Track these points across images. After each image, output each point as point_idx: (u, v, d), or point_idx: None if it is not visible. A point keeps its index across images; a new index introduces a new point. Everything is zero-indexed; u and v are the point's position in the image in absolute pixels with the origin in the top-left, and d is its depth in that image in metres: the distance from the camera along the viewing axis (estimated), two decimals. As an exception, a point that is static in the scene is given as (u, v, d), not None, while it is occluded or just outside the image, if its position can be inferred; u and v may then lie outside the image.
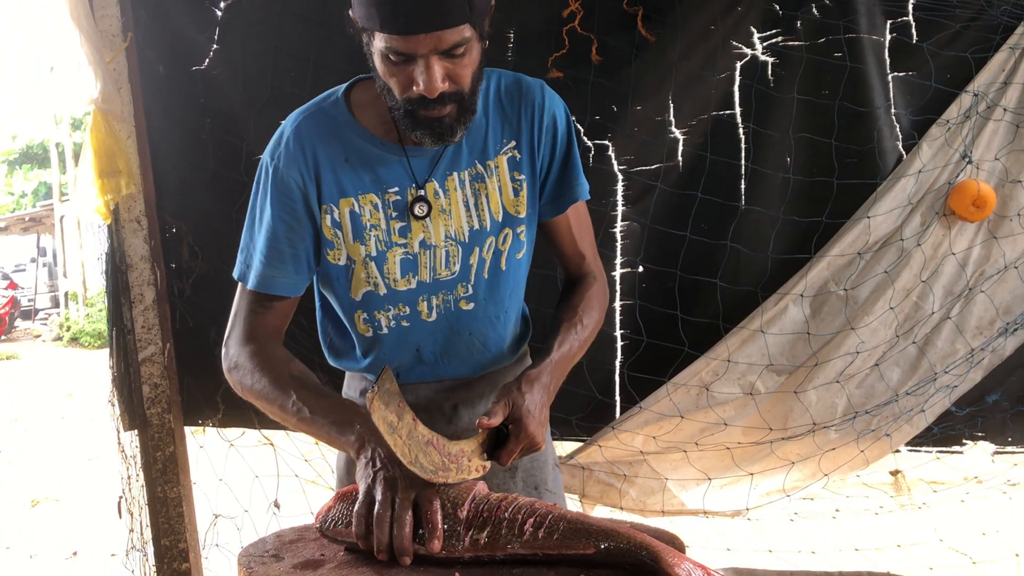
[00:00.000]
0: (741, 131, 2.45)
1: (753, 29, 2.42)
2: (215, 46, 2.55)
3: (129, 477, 2.70)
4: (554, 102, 1.54)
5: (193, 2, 2.54)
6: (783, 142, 2.44)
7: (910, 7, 2.37)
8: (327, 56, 2.50)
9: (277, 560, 1.27)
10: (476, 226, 1.51)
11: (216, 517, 2.76)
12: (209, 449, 2.72)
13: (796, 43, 2.40)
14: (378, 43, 1.31)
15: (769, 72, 2.43)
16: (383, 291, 1.51)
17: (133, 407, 2.60)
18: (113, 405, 2.63)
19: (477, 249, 1.52)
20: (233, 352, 1.49)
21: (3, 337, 17.98)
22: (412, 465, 1.19)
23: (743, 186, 2.47)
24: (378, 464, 1.25)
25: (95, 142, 2.45)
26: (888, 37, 2.39)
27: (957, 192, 2.38)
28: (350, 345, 1.61)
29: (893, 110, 2.42)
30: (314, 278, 1.58)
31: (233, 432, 2.71)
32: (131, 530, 2.70)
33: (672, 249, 2.49)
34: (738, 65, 2.43)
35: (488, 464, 1.33)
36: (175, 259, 2.64)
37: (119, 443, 2.69)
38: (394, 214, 1.49)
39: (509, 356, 1.65)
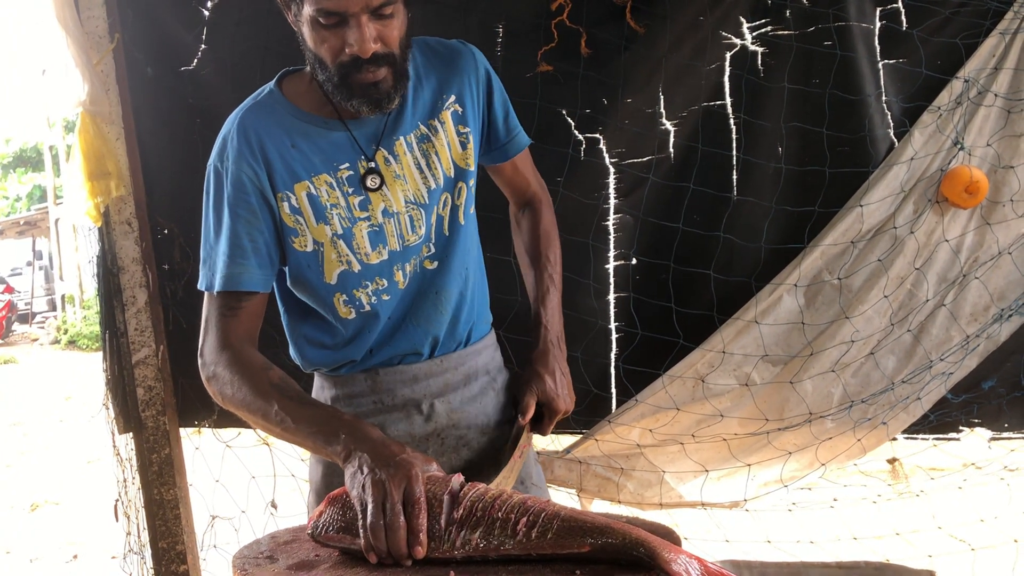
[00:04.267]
0: (732, 122, 2.45)
1: (742, 19, 2.41)
2: (203, 46, 2.54)
3: (125, 480, 2.69)
4: (481, 57, 1.63)
5: (180, 2, 2.52)
6: (774, 132, 2.43)
7: (899, -6, 2.36)
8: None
9: (271, 561, 1.27)
10: (432, 186, 1.54)
11: (213, 518, 2.75)
12: (205, 450, 2.71)
13: (785, 32, 2.39)
14: (307, 9, 1.36)
15: (759, 62, 2.42)
16: (357, 268, 1.52)
17: (128, 410, 2.59)
18: (108, 408, 2.62)
19: (436, 208, 1.55)
20: (209, 361, 1.47)
21: (0, 341, 17.96)
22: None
23: (735, 177, 2.46)
24: (365, 471, 1.24)
25: (84, 144, 2.43)
26: (878, 24, 2.38)
27: (949, 179, 2.38)
28: (329, 337, 1.59)
29: (884, 98, 2.41)
30: (274, 287, 1.56)
31: (229, 433, 2.70)
32: (128, 533, 2.70)
33: (665, 241, 2.48)
34: (728, 55, 2.43)
35: (532, 437, 1.61)
36: (167, 261, 2.63)
37: (115, 446, 2.68)
38: (350, 190, 1.50)
39: (475, 325, 1.67)
